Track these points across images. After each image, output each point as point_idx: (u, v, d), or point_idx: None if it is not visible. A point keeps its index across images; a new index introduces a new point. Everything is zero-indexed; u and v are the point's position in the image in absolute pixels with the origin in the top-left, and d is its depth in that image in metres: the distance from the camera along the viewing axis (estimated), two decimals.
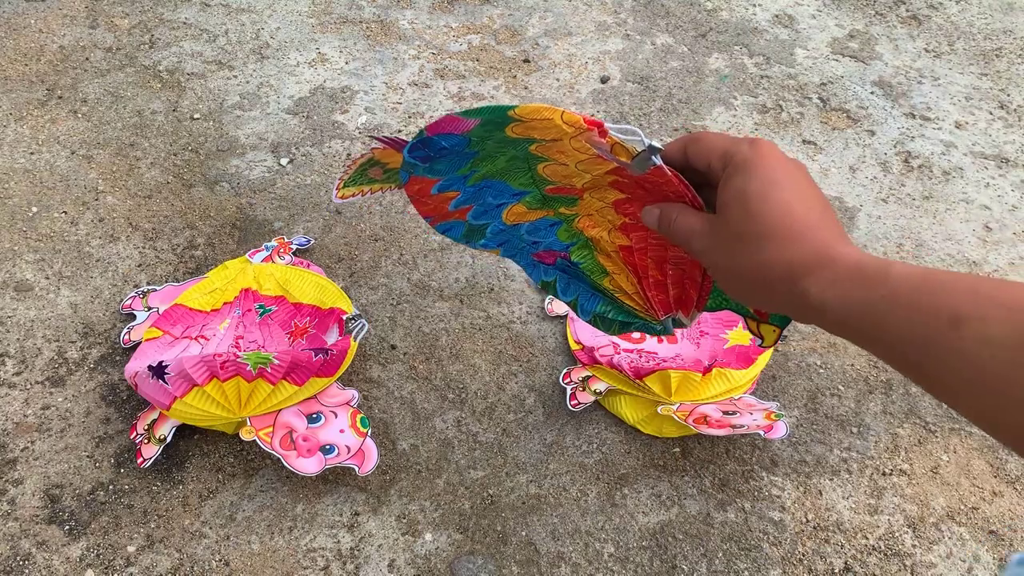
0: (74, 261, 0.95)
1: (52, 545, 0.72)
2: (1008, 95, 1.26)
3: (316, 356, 0.76)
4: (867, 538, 0.77)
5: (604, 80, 1.24)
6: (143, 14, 1.29)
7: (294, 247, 0.96)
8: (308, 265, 0.94)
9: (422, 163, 0.50)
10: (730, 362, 0.83)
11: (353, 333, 0.83)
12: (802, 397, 0.88)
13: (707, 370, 0.80)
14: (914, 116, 1.22)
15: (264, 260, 0.93)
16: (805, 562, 0.75)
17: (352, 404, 0.78)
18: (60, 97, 1.14)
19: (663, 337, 0.89)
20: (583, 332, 0.89)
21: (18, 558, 0.71)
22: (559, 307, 0.92)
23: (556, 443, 0.82)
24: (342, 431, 0.75)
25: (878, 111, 1.23)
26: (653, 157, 0.40)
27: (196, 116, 1.14)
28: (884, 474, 0.82)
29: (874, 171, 1.14)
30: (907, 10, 1.42)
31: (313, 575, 0.72)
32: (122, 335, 0.86)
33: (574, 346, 0.88)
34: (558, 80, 1.24)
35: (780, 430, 0.80)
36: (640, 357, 0.85)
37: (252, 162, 1.08)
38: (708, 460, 0.82)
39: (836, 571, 0.75)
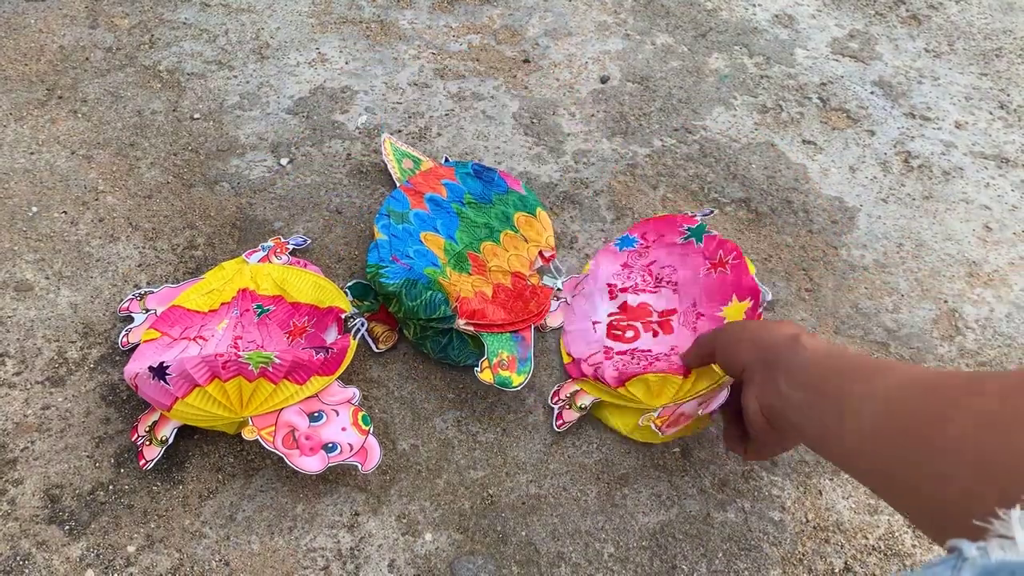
0: (74, 261, 0.95)
1: (52, 545, 0.72)
2: (1008, 95, 1.27)
3: (317, 354, 0.76)
4: (867, 538, 0.77)
5: (604, 80, 1.24)
6: (143, 14, 1.29)
7: (291, 247, 0.96)
8: (306, 265, 0.94)
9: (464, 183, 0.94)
10: None
11: (352, 331, 0.83)
12: None
13: (687, 373, 0.78)
14: (914, 116, 1.22)
15: (261, 260, 0.93)
16: (805, 562, 0.75)
17: (353, 402, 0.78)
18: (60, 97, 1.14)
19: (658, 331, 0.88)
20: (574, 344, 0.88)
21: (18, 558, 0.71)
22: (553, 320, 0.91)
23: (556, 443, 0.82)
24: (344, 429, 0.75)
25: (878, 111, 1.23)
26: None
27: (196, 116, 1.14)
28: None
29: (874, 171, 1.14)
30: (907, 10, 1.42)
31: (313, 575, 0.72)
32: (120, 337, 0.86)
33: (566, 359, 0.88)
34: (558, 80, 1.24)
35: None
36: (632, 358, 0.83)
37: (252, 162, 1.08)
38: (708, 460, 0.82)
39: (836, 571, 0.75)
